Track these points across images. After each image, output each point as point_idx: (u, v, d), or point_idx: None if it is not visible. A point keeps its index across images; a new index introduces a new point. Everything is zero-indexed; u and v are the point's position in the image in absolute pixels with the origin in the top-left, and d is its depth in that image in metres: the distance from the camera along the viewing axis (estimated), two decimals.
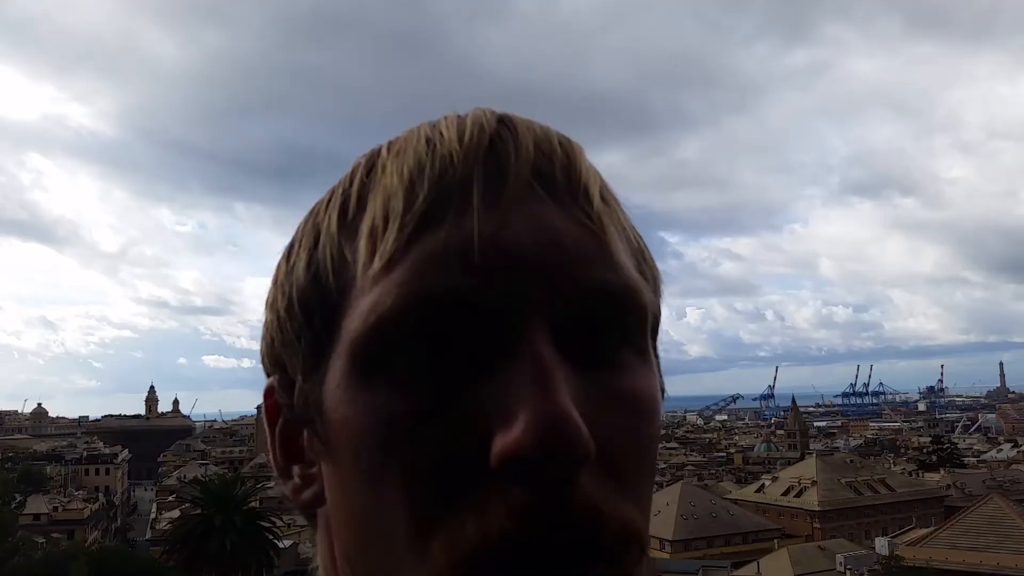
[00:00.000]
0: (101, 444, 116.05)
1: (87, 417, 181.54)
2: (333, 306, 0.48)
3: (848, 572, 41.30)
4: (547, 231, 0.45)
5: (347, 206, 0.50)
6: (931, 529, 37.80)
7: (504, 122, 0.49)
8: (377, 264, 0.45)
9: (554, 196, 0.47)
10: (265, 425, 0.54)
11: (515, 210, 0.45)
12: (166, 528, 50.50)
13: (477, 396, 0.43)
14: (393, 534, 0.43)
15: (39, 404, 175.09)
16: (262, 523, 43.18)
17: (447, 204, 0.45)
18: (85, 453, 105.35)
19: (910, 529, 44.94)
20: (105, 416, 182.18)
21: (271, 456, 0.54)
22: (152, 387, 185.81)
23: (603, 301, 0.45)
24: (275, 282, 0.54)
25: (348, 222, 0.49)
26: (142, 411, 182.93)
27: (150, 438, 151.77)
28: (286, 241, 0.55)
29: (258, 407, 0.55)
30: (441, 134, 0.48)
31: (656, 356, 0.51)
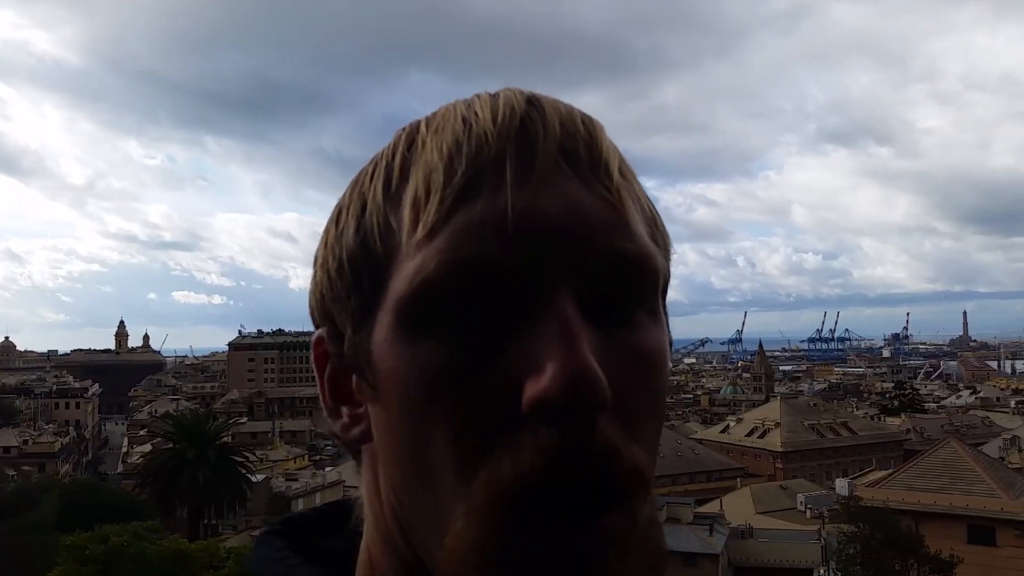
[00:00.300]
0: (71, 378, 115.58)
1: (56, 351, 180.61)
2: (381, 268, 0.53)
3: (808, 511, 42.54)
4: (572, 205, 0.50)
5: (391, 178, 0.55)
6: (889, 471, 38.87)
7: (532, 103, 0.53)
8: (420, 232, 0.50)
9: (578, 172, 0.51)
10: (315, 370, 0.60)
11: (543, 186, 0.50)
12: (138, 462, 50.75)
13: (509, 351, 0.48)
14: (437, 471, 0.48)
15: (6, 338, 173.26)
16: (235, 458, 43.51)
17: (482, 180, 0.50)
18: (55, 387, 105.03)
19: (870, 471, 46.15)
20: (75, 350, 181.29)
21: (321, 398, 0.60)
22: (122, 322, 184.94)
23: (621, 268, 0.50)
24: (325, 244, 0.59)
25: (392, 193, 0.54)
26: (112, 346, 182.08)
27: (120, 373, 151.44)
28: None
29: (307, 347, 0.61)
30: (476, 114, 0.53)
31: (666, 314, 0.56)
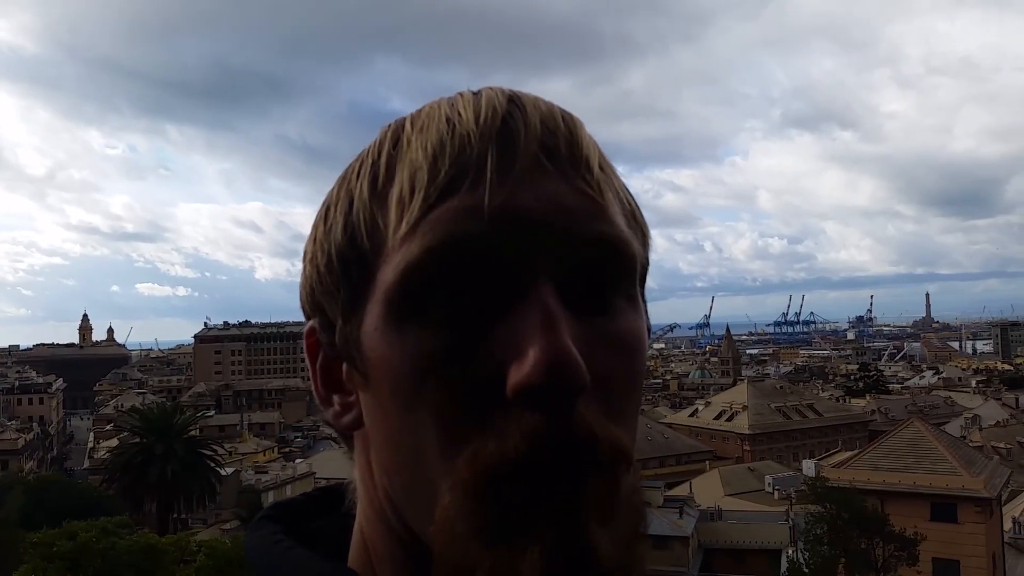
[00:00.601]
0: (34, 373, 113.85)
1: (18, 346, 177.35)
2: (368, 262, 0.56)
3: (776, 492, 43.07)
4: (551, 197, 0.52)
5: (377, 176, 0.57)
6: (855, 452, 39.41)
7: (514, 101, 0.56)
8: (404, 228, 0.53)
9: (559, 168, 0.54)
10: (307, 360, 0.63)
11: (523, 182, 0.52)
12: (104, 457, 50.08)
13: (493, 337, 0.50)
14: (425, 452, 0.51)
15: None
16: (203, 451, 43.16)
17: (464, 178, 0.52)
18: (17, 383, 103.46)
19: (836, 452, 46.79)
20: (37, 345, 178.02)
21: (313, 387, 0.62)
22: (85, 315, 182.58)
23: (599, 252, 0.52)
24: (313, 240, 0.61)
25: (378, 191, 0.56)
26: (76, 340, 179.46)
27: (85, 367, 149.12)
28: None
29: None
30: (459, 114, 0.55)
31: (644, 300, 0.59)
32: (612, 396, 0.52)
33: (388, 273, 0.53)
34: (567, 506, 0.48)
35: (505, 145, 0.53)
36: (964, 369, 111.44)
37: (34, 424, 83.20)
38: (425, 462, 0.51)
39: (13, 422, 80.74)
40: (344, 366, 0.59)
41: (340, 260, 0.57)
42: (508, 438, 0.48)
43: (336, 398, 0.60)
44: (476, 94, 0.57)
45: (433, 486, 0.51)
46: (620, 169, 0.57)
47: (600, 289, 0.53)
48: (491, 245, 0.50)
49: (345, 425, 0.60)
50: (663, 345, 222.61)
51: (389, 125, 0.60)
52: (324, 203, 0.62)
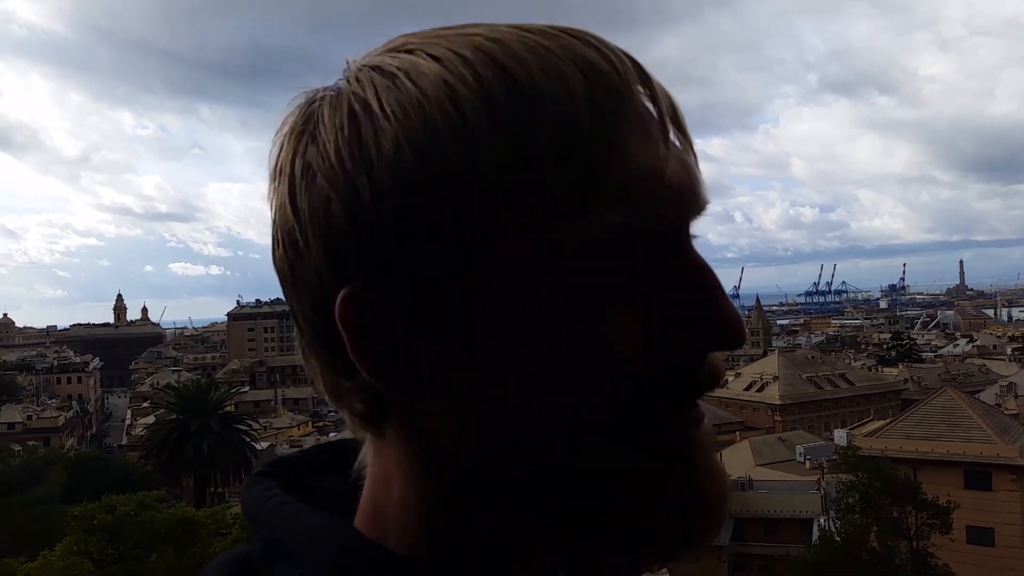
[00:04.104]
0: (71, 353, 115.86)
1: (55, 327, 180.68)
2: (510, 216, 0.50)
3: (807, 462, 43.00)
4: (690, 167, 0.54)
5: (509, 128, 0.49)
6: (887, 421, 39.19)
7: (634, 62, 0.54)
8: (564, 191, 0.49)
9: (678, 136, 0.54)
10: (349, 333, 0.51)
11: (671, 148, 0.52)
12: (142, 434, 51.07)
13: (661, 303, 0.51)
14: (597, 410, 0.50)
15: (5, 314, 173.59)
16: (238, 426, 43.85)
17: (623, 139, 0.50)
18: (56, 362, 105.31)
19: (868, 421, 46.54)
20: (74, 325, 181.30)
21: (361, 365, 0.52)
22: (120, 295, 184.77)
23: (701, 217, 0.55)
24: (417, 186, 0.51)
25: (511, 145, 0.50)
26: (111, 320, 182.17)
27: (120, 346, 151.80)
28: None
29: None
30: (592, 64, 0.51)
31: None
32: None
33: (552, 239, 0.49)
34: (711, 440, 0.54)
35: (647, 107, 0.53)
36: (999, 337, 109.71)
37: (73, 403, 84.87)
38: (592, 419, 0.50)
39: (53, 400, 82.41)
40: (419, 340, 0.51)
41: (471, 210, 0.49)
42: (676, 392, 0.51)
43: (401, 370, 0.52)
44: (591, 43, 0.52)
45: (598, 444, 0.50)
46: None
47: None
48: (660, 219, 0.51)
49: (405, 393, 0.52)
50: None
51: (469, 66, 0.50)
52: (423, 146, 0.49)
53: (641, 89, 0.52)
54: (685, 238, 0.52)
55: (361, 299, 0.51)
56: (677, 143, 0.53)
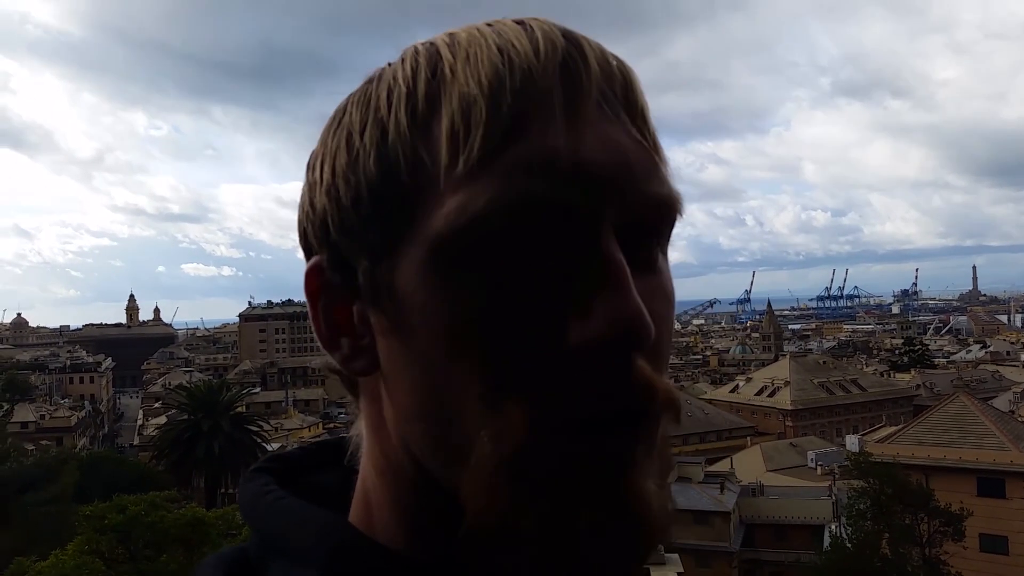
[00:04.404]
0: (84, 353, 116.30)
1: (68, 327, 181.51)
2: (409, 202, 0.51)
3: (818, 468, 42.78)
4: (617, 149, 0.50)
5: (415, 106, 0.51)
6: (899, 427, 38.95)
7: (569, 39, 0.52)
8: (461, 168, 0.48)
9: (617, 116, 0.51)
10: (308, 301, 0.57)
11: (588, 128, 0.49)
12: (153, 434, 51.19)
13: (555, 291, 0.48)
14: (464, 400, 0.49)
15: (18, 314, 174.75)
16: (249, 427, 43.94)
17: (529, 118, 0.49)
18: (69, 362, 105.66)
19: (880, 427, 46.22)
20: (86, 325, 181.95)
21: (315, 328, 0.57)
22: (132, 296, 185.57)
23: (656, 213, 0.51)
24: (333, 172, 0.55)
25: (418, 122, 0.51)
26: (123, 320, 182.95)
27: (132, 346, 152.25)
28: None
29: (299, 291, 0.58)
30: (513, 45, 0.50)
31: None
32: (659, 348, 0.51)
33: (439, 219, 0.49)
34: (621, 460, 0.47)
35: (568, 85, 0.50)
36: (1013, 343, 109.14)
37: (85, 402, 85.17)
38: (463, 409, 0.49)
39: (66, 400, 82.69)
40: (355, 308, 0.55)
41: (374, 197, 0.52)
42: (565, 388, 0.47)
43: (344, 341, 0.56)
44: (522, 24, 0.52)
45: (469, 434, 0.48)
46: (663, 143, 0.56)
47: (649, 242, 0.52)
48: (563, 201, 0.48)
49: (356, 369, 0.56)
50: (703, 321, 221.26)
51: (415, 49, 0.55)
52: (338, 129, 0.56)
53: (575, 72, 0.50)
54: (596, 227, 0.49)
55: (320, 270, 0.56)
56: (634, 132, 0.52)
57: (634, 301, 0.47)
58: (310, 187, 0.57)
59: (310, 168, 0.58)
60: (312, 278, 0.56)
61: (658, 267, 0.53)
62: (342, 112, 0.57)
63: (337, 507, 0.58)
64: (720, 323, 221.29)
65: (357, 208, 0.53)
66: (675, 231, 0.54)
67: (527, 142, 0.48)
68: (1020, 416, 42.64)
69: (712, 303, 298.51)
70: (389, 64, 0.56)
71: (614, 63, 0.53)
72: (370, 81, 0.56)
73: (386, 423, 0.55)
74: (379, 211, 0.52)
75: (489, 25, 0.53)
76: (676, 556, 15.12)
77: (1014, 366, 78.59)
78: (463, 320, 0.48)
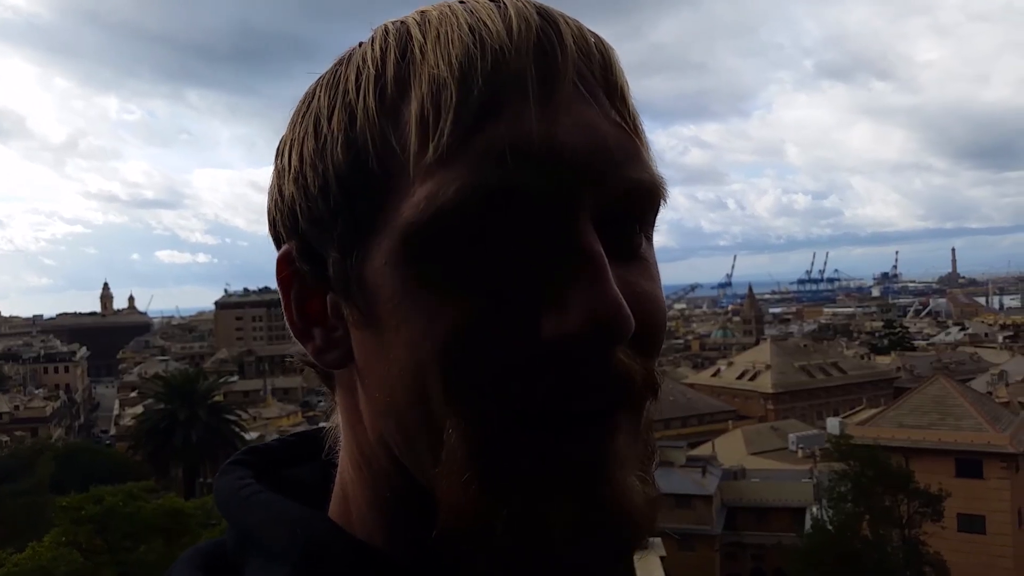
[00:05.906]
0: (58, 342, 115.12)
1: (41, 316, 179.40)
2: (378, 190, 0.49)
3: (799, 451, 42.92)
4: (594, 133, 0.48)
5: (384, 89, 0.50)
6: (880, 409, 39.13)
7: (544, 16, 0.50)
8: (431, 155, 0.46)
9: (595, 97, 0.49)
10: (280, 290, 0.55)
11: (564, 111, 0.47)
12: (130, 424, 50.71)
13: (528, 282, 0.46)
14: (431, 391, 0.47)
15: None
16: (227, 416, 43.52)
17: (501, 101, 0.47)
18: (43, 352, 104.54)
19: (860, 409, 46.40)
20: (60, 314, 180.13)
21: (287, 320, 0.55)
22: (106, 284, 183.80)
23: (637, 199, 0.49)
24: (300, 157, 0.53)
25: (387, 106, 0.49)
26: (97, 309, 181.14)
27: (107, 335, 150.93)
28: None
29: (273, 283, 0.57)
30: (485, 24, 0.48)
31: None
32: (645, 336, 0.49)
33: (408, 208, 0.47)
34: (597, 455, 0.46)
35: (542, 66, 0.48)
36: (991, 325, 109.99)
37: (61, 392, 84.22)
38: (433, 405, 0.47)
39: (40, 390, 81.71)
40: (328, 299, 0.53)
41: (342, 185, 0.50)
42: (537, 381, 0.45)
43: (317, 332, 0.54)
44: (496, 1, 0.51)
45: (440, 431, 0.47)
46: (646, 126, 0.53)
47: (631, 229, 0.50)
48: (537, 189, 0.46)
49: (329, 362, 0.55)
50: (684, 305, 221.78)
51: (386, 28, 0.53)
52: (307, 112, 0.54)
53: (551, 51, 0.48)
54: (572, 215, 0.47)
55: (290, 259, 0.55)
56: (613, 115, 0.50)
57: (612, 293, 0.45)
58: (279, 174, 0.55)
59: (279, 154, 0.56)
60: (283, 267, 0.55)
61: (641, 254, 0.51)
62: (311, 95, 0.55)
63: (315, 501, 0.57)
64: (701, 307, 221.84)
65: (325, 197, 0.51)
66: (657, 216, 0.52)
67: (499, 127, 0.46)
68: (998, 397, 42.99)
69: (693, 287, 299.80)
70: (360, 44, 0.53)
71: (592, 41, 0.51)
72: (340, 62, 0.54)
73: (362, 417, 0.54)
74: (348, 200, 0.50)
75: (462, 2, 0.51)
76: (659, 540, 15.05)
77: (992, 348, 79.39)
78: (433, 313, 0.46)
